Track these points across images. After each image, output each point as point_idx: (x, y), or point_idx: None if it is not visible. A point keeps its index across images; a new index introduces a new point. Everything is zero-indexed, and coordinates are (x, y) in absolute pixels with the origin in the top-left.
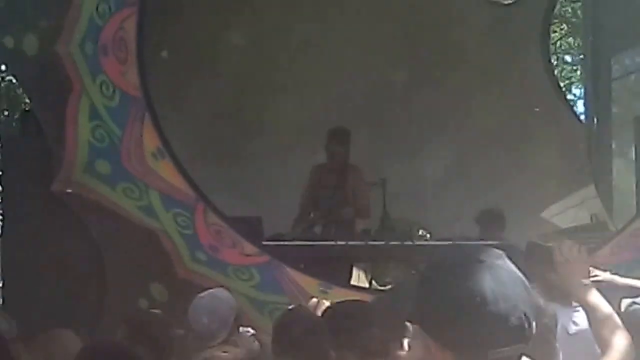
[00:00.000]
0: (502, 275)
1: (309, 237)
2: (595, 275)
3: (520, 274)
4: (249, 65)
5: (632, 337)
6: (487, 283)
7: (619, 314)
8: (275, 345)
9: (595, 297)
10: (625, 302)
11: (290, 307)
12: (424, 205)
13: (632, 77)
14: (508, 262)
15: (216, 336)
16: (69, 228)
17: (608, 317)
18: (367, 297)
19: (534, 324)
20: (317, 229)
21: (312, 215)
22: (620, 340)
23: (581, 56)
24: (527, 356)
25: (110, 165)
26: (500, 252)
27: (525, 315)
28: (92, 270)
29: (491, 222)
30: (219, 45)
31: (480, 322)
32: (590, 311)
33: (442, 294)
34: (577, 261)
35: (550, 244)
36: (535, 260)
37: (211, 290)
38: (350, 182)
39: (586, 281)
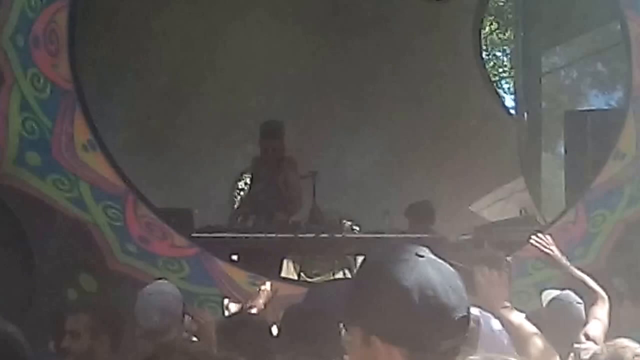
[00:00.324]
0: (443, 269)
1: (239, 229)
2: (552, 250)
3: (452, 269)
4: (181, 58)
5: (554, 330)
6: (434, 276)
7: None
8: (220, 346)
9: (516, 318)
10: (545, 294)
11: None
12: (354, 198)
13: (562, 72)
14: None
15: (168, 332)
16: None
17: (530, 337)
18: (296, 290)
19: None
20: (249, 222)
21: (244, 207)
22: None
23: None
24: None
25: (40, 157)
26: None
27: (468, 305)
28: (21, 262)
29: (420, 216)
30: (150, 38)
31: (433, 314)
32: (514, 331)
33: (389, 290)
34: (497, 285)
35: (469, 268)
36: None
37: (157, 285)
38: (283, 174)
39: (507, 304)
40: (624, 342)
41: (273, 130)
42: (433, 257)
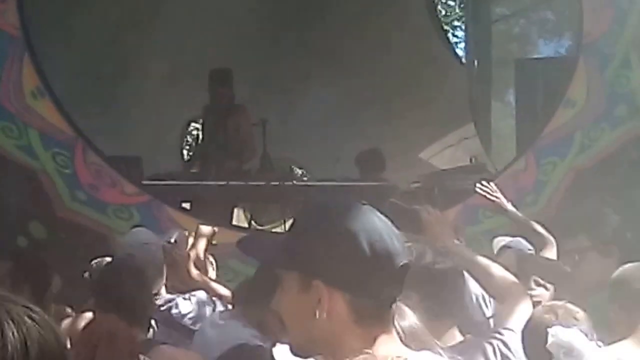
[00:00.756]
0: (384, 218)
1: (191, 177)
2: (497, 197)
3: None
4: (130, 5)
5: None
6: (379, 223)
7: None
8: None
9: (469, 253)
10: (496, 242)
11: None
12: (304, 146)
13: (512, 20)
14: None
15: (154, 282)
16: None
17: (489, 267)
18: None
19: None
20: (199, 169)
21: (196, 155)
22: (512, 285)
23: None
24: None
25: None
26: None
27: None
28: None
29: (370, 163)
30: None
31: (379, 260)
32: (469, 266)
33: (335, 233)
34: (443, 222)
35: (413, 207)
36: (399, 221)
37: (136, 234)
38: (233, 121)
39: (457, 241)
40: (563, 303)
41: (222, 77)
42: (374, 210)
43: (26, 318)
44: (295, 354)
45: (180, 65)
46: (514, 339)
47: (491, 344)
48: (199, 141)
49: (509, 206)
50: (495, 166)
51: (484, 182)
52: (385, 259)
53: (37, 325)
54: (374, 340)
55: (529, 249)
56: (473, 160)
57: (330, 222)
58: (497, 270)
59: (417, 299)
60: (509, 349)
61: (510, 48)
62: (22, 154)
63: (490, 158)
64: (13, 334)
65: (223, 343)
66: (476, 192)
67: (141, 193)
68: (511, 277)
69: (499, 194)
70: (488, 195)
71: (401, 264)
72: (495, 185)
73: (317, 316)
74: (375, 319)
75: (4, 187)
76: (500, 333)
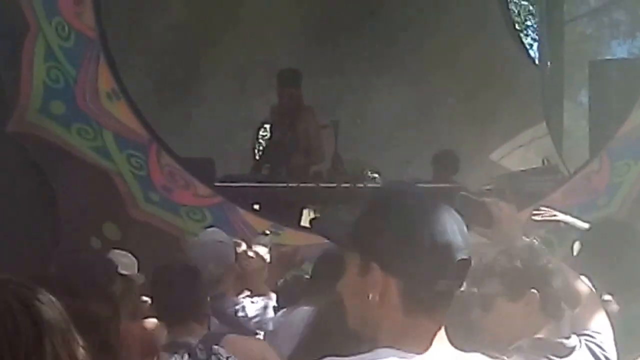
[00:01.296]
0: (453, 212)
1: (261, 179)
2: (554, 215)
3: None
4: (202, 6)
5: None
6: (445, 215)
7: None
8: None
9: (540, 251)
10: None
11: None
12: (376, 148)
13: (584, 20)
14: None
15: (223, 280)
16: (22, 168)
17: (558, 270)
18: (316, 239)
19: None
20: (269, 171)
21: (266, 156)
22: (582, 288)
23: None
24: None
25: (64, 105)
26: None
27: (470, 253)
28: (45, 210)
29: (445, 165)
30: None
31: (437, 252)
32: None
33: (396, 218)
34: (514, 219)
35: (484, 200)
36: (468, 214)
37: (210, 234)
38: (302, 123)
39: (525, 238)
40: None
41: (290, 78)
42: (443, 202)
43: (35, 301)
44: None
45: (252, 67)
46: (605, 340)
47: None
48: (270, 142)
49: (568, 218)
50: (567, 168)
51: (538, 210)
52: (443, 251)
53: (44, 305)
54: (421, 333)
55: None
56: (545, 161)
57: (395, 208)
58: (570, 272)
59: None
60: (603, 350)
61: (583, 49)
62: (97, 155)
63: (562, 159)
64: (23, 315)
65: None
66: (534, 220)
67: (214, 195)
68: (583, 285)
69: (555, 212)
70: (549, 219)
71: (459, 258)
72: (569, 186)
73: (370, 298)
74: (425, 311)
75: (78, 188)
76: (591, 335)
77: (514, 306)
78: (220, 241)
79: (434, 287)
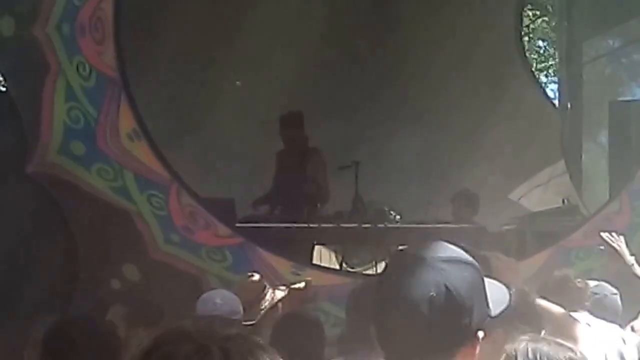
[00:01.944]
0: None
1: (282, 219)
2: (619, 246)
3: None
4: (227, 49)
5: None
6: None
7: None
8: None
9: (541, 300)
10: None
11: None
12: (396, 189)
13: (603, 61)
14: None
15: (235, 313)
16: (43, 209)
17: (562, 316)
18: (337, 279)
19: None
20: (282, 212)
21: (268, 197)
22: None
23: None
24: None
25: (85, 146)
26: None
27: (471, 318)
28: (65, 252)
29: (465, 204)
30: (194, 28)
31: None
32: (545, 314)
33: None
34: (513, 269)
35: (482, 253)
36: None
37: (212, 294)
38: (309, 165)
39: (526, 288)
40: None
41: (293, 121)
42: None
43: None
44: None
45: (272, 108)
46: None
47: None
48: (273, 184)
49: (628, 255)
50: (587, 208)
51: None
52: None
53: None
54: None
55: (613, 293)
56: (565, 202)
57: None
58: (558, 312)
59: None
60: None
61: (601, 89)
62: (117, 196)
63: (582, 200)
64: None
65: None
66: (601, 237)
67: (234, 235)
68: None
69: (622, 243)
70: (611, 243)
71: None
72: (589, 226)
73: None
74: None
75: (98, 228)
76: None
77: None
78: (229, 293)
79: None
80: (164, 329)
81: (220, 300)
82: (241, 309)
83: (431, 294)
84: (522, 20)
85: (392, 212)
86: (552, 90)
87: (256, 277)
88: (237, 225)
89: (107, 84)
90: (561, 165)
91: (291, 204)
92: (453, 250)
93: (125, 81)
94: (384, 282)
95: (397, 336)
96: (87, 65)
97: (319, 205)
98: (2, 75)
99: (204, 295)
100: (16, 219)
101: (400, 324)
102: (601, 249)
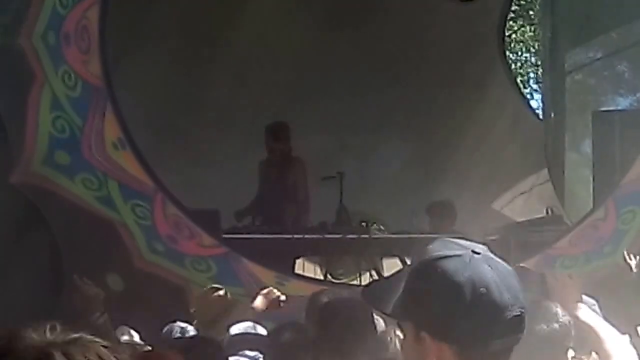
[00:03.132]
0: (500, 267)
1: (266, 230)
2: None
3: (511, 267)
4: (213, 58)
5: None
6: (489, 274)
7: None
8: None
9: (592, 320)
10: None
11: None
12: (380, 199)
13: (586, 71)
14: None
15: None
16: (26, 219)
17: (611, 336)
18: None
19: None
20: (265, 222)
21: (251, 208)
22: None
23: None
24: None
25: (69, 156)
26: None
27: (524, 305)
28: (49, 261)
29: (441, 215)
30: (180, 35)
31: (485, 312)
32: (589, 332)
33: (441, 285)
34: (569, 287)
35: (540, 272)
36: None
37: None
38: (292, 176)
39: (581, 306)
40: None
41: (277, 132)
42: (491, 255)
43: (113, 358)
44: None
45: (259, 120)
46: None
47: None
48: (257, 195)
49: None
50: (570, 217)
51: None
52: (491, 310)
53: None
54: None
55: (593, 304)
56: (549, 211)
57: (435, 273)
58: (616, 342)
59: None
60: None
61: (585, 99)
62: (101, 205)
63: (565, 209)
64: None
65: None
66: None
67: (218, 245)
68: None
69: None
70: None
71: (511, 315)
72: (575, 235)
73: None
74: None
75: (82, 238)
76: None
77: None
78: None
79: (487, 348)
80: (3, 337)
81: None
82: None
83: None
84: (504, 30)
85: (375, 223)
86: (535, 100)
87: (221, 292)
88: (224, 236)
89: (93, 92)
90: (544, 173)
91: (275, 214)
92: None
93: (110, 90)
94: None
95: None
96: (72, 75)
97: (302, 214)
98: None
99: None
100: (1, 230)
101: None
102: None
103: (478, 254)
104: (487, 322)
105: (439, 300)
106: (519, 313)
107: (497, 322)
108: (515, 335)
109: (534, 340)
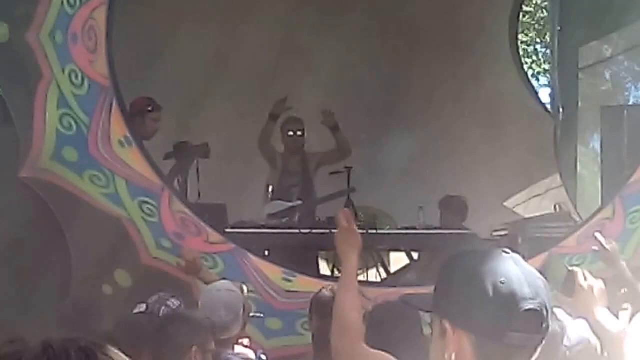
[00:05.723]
0: (526, 267)
1: (273, 225)
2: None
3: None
4: (216, 54)
5: None
6: (512, 268)
7: None
8: None
9: (613, 326)
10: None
11: None
12: (389, 195)
13: (599, 67)
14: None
15: (231, 329)
16: (35, 214)
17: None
18: (329, 285)
19: (550, 317)
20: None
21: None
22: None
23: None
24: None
25: (77, 152)
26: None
27: (546, 305)
28: (57, 257)
29: (453, 210)
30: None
31: (502, 301)
32: (608, 337)
33: (464, 274)
34: (597, 293)
35: (571, 269)
36: (558, 280)
37: (223, 283)
38: (308, 169)
39: (606, 310)
40: None
41: (296, 125)
42: (520, 258)
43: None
44: None
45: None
46: None
47: None
48: (277, 188)
49: (620, 260)
50: (579, 214)
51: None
52: (509, 302)
53: None
54: None
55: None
56: (558, 208)
57: (461, 265)
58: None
59: None
60: None
61: (597, 95)
62: (109, 202)
63: (575, 206)
64: None
65: None
66: (595, 237)
67: (226, 241)
68: None
69: (615, 245)
70: (605, 243)
71: (528, 308)
72: (583, 233)
73: (447, 358)
74: None
75: (90, 234)
76: None
77: None
78: (233, 290)
79: (503, 340)
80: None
81: (224, 313)
82: (241, 313)
83: None
84: (517, 27)
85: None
86: (546, 94)
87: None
88: (228, 231)
89: (99, 91)
90: (558, 177)
91: (307, 213)
92: None
93: (116, 89)
94: None
95: None
96: (79, 74)
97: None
98: None
99: (209, 305)
100: (9, 225)
101: None
102: (594, 250)
103: (507, 253)
104: (504, 311)
105: (460, 287)
106: (537, 308)
107: (514, 313)
108: (533, 334)
109: None
